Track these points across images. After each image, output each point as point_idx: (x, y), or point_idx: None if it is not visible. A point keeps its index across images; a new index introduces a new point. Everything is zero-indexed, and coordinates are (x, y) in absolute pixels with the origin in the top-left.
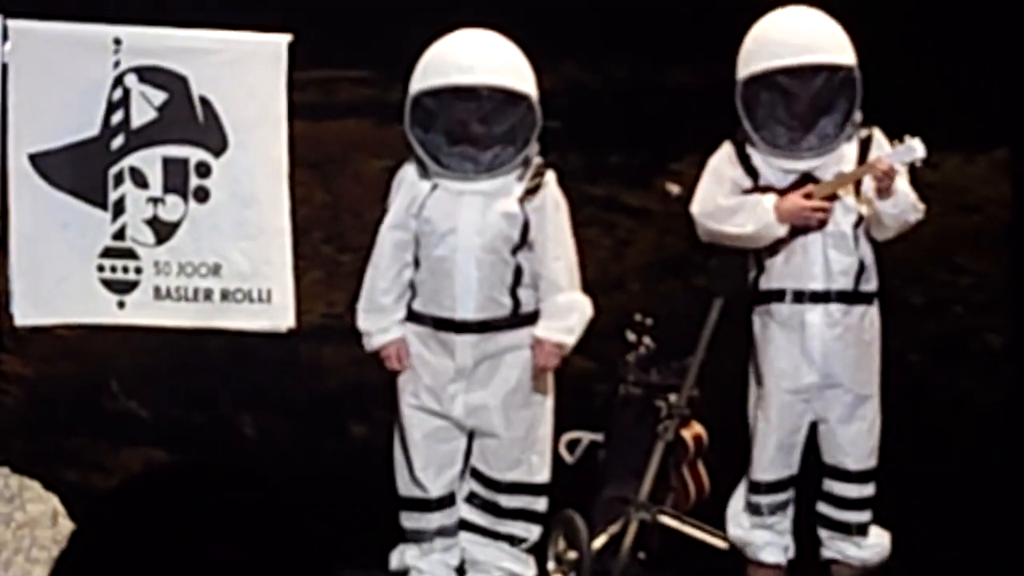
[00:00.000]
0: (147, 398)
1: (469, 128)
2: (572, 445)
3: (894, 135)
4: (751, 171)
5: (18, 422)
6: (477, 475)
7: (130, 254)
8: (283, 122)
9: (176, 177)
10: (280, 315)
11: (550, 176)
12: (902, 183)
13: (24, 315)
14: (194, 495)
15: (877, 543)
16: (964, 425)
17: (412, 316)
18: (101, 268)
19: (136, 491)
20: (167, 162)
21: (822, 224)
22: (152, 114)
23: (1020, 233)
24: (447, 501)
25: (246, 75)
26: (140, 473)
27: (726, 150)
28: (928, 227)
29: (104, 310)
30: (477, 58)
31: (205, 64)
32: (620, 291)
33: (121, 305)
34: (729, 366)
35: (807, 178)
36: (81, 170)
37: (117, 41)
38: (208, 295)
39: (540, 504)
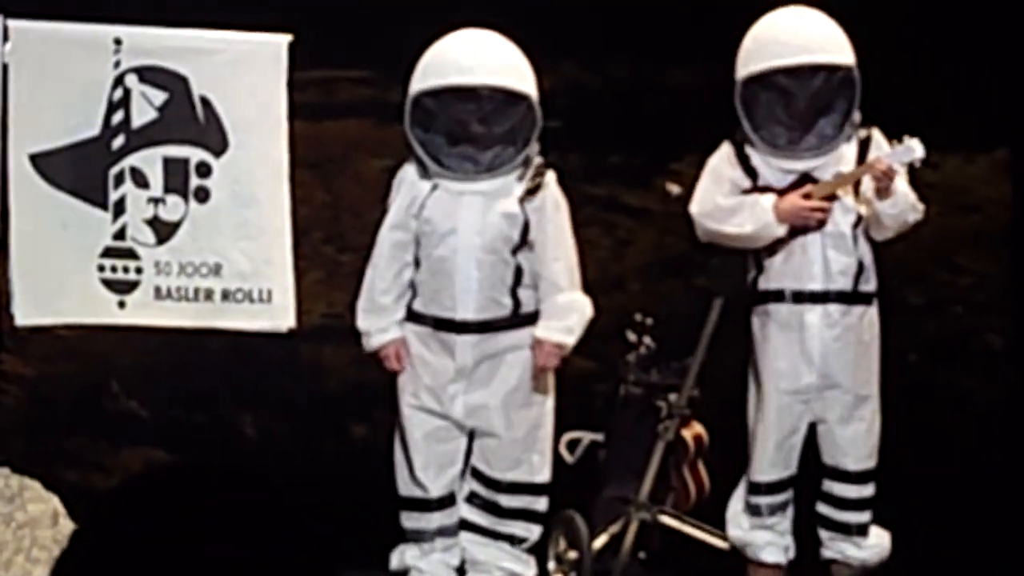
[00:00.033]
0: (147, 398)
1: (469, 128)
2: (572, 445)
3: (894, 135)
4: (750, 171)
5: (18, 422)
6: (477, 475)
7: (130, 254)
8: (283, 122)
9: (176, 177)
10: (280, 315)
11: (550, 176)
12: (901, 183)
13: (24, 315)
14: (194, 495)
15: (877, 543)
16: (964, 425)
17: (412, 316)
18: (101, 268)
19: (136, 491)
20: (167, 162)
21: (821, 224)
22: (152, 114)
23: (1020, 233)
24: (447, 501)
25: (246, 75)
26: (140, 473)
27: (725, 150)
28: (928, 227)
29: (104, 310)
30: (477, 58)
31: (205, 64)
32: (620, 291)
33: (121, 305)
34: (729, 366)
35: (806, 178)
36: (81, 170)
37: (117, 41)
38: (208, 295)
39: (540, 504)
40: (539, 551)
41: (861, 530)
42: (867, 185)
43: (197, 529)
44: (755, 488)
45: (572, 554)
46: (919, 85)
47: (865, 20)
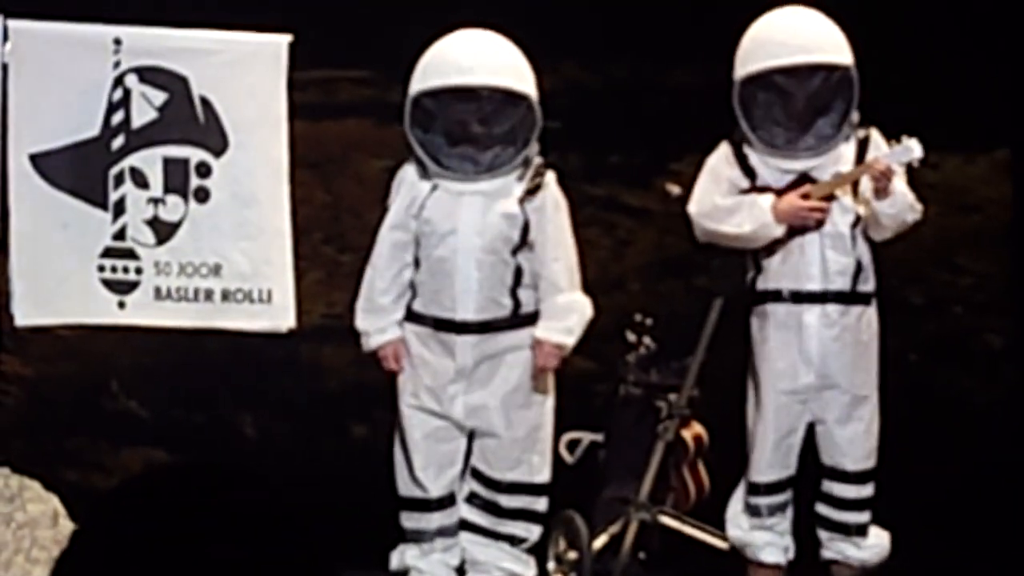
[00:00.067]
0: (147, 398)
1: (469, 129)
2: (572, 445)
3: (893, 135)
4: (748, 171)
5: (18, 422)
6: (477, 475)
7: (130, 254)
8: (283, 122)
9: (176, 177)
10: (280, 315)
11: (550, 176)
12: (900, 183)
13: (24, 315)
14: (194, 495)
15: (877, 543)
16: (964, 425)
17: (412, 316)
18: (101, 268)
19: (136, 491)
20: (167, 162)
21: (820, 224)
22: (152, 114)
23: (1020, 233)
24: (447, 501)
25: (246, 75)
26: (140, 473)
27: (723, 150)
28: (928, 227)
29: (104, 310)
30: (477, 59)
31: (205, 64)
32: (620, 291)
33: (121, 305)
34: (729, 366)
35: (804, 178)
36: (81, 170)
37: (117, 41)
38: (208, 295)
39: (540, 504)
40: (539, 551)
41: (860, 530)
42: (865, 185)
43: (197, 529)
44: (754, 489)
45: (572, 554)
46: (919, 85)
47: (864, 20)
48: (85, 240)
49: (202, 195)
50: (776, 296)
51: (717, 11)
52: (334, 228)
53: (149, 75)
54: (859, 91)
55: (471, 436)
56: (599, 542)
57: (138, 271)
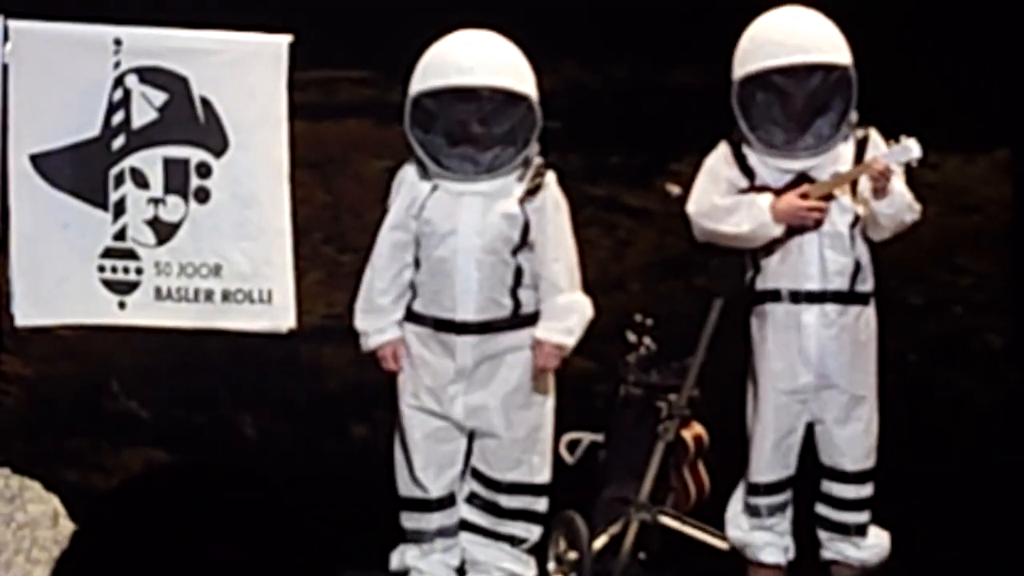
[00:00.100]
0: (147, 398)
1: (469, 129)
2: (572, 445)
3: (893, 135)
4: (747, 171)
5: (18, 422)
6: (477, 475)
7: (131, 255)
8: (283, 122)
9: (177, 178)
10: (281, 316)
11: (550, 177)
12: (898, 183)
13: (25, 315)
14: (194, 495)
15: (876, 543)
16: (964, 425)
17: (413, 317)
18: (102, 268)
19: (136, 491)
20: (168, 163)
21: (818, 224)
22: (153, 115)
23: (1020, 233)
24: (447, 501)
25: (247, 76)
26: (140, 473)
27: (722, 150)
28: (928, 227)
29: (105, 310)
30: (477, 59)
31: (206, 65)
32: (620, 291)
33: (122, 305)
34: (729, 366)
35: (803, 178)
36: (82, 170)
37: (117, 42)
38: (209, 296)
39: (541, 504)
40: (539, 551)
41: (860, 530)
42: (864, 185)
43: (197, 529)
44: (754, 489)
45: (572, 554)
46: (918, 85)
47: (863, 20)
48: (85, 240)
49: (202, 195)
50: (775, 296)
51: (717, 11)
52: (334, 228)
53: (149, 75)
54: (858, 91)
55: (471, 436)
56: (599, 542)
57: (138, 271)
